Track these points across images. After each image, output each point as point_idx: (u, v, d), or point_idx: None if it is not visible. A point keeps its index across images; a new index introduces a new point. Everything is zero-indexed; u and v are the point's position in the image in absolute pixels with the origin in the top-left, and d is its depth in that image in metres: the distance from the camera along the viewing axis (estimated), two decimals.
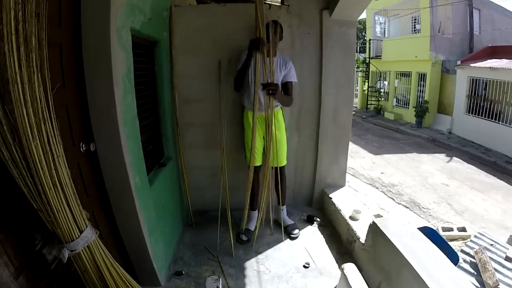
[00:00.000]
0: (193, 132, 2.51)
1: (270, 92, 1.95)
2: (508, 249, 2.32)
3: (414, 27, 10.20)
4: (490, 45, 8.50)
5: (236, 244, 2.17)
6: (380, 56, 12.10)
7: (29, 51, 0.90)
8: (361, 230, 1.99)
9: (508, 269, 2.13)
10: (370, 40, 12.72)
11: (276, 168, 2.23)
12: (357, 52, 11.23)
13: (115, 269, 1.22)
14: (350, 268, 1.51)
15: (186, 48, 2.33)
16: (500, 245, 2.38)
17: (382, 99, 12.13)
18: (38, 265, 1.08)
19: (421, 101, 9.57)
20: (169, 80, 2.26)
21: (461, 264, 2.13)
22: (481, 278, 2.02)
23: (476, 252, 2.21)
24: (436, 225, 3.45)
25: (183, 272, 1.89)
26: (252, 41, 1.95)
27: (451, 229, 3.22)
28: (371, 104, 12.63)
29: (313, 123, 2.56)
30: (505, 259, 2.21)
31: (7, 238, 0.95)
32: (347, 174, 2.79)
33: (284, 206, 2.40)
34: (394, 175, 5.42)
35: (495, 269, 2.05)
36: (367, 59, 13.02)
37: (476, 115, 7.91)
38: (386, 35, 12.07)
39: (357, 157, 6.49)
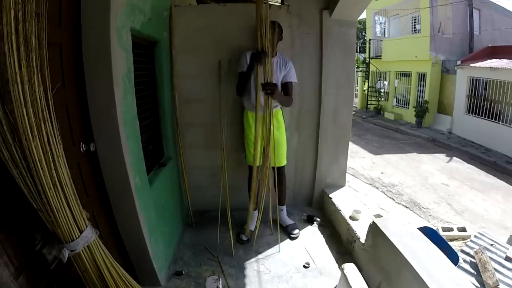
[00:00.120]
0: (193, 132, 2.51)
1: (269, 92, 1.95)
2: (508, 249, 2.32)
3: (414, 27, 10.21)
4: (490, 45, 8.51)
5: (236, 244, 2.17)
6: (380, 56, 12.10)
7: (29, 51, 0.90)
8: (361, 230, 1.99)
9: (508, 269, 2.13)
10: (370, 40, 12.72)
11: (276, 168, 2.23)
12: (357, 52, 11.23)
13: (115, 269, 1.22)
14: (350, 268, 1.51)
15: (186, 48, 2.33)
16: (500, 245, 2.38)
17: (382, 99, 12.13)
18: (38, 265, 1.08)
19: (421, 101, 9.57)
20: (169, 80, 2.26)
21: (461, 264, 2.13)
22: (481, 278, 2.02)
23: (476, 252, 2.21)
24: (436, 225, 3.45)
25: (183, 272, 1.89)
26: (253, 54, 1.95)
27: (451, 229, 3.22)
28: (371, 104, 12.63)
29: (313, 123, 2.56)
30: (505, 259, 2.21)
31: (7, 238, 0.95)
32: (347, 174, 2.79)
33: (284, 206, 2.40)
34: (394, 175, 5.42)
35: (495, 269, 2.05)
36: (367, 59, 13.02)
37: (476, 115, 7.91)
38: (386, 35, 12.07)
39: (357, 157, 6.49)
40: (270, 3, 2.23)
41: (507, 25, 9.92)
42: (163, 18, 2.13)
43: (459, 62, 8.44)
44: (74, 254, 1.08)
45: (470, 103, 8.16)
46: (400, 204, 4.31)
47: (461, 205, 4.27)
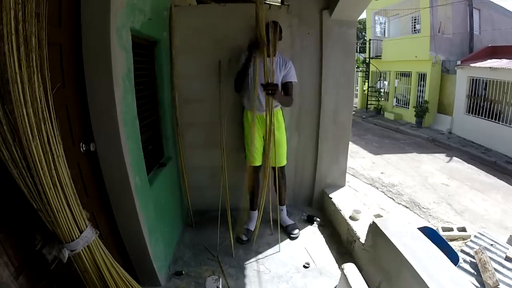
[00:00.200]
0: (193, 132, 2.50)
1: (270, 92, 1.95)
2: (508, 249, 2.32)
3: (414, 27, 10.20)
4: (490, 45, 8.50)
5: (236, 244, 2.17)
6: (380, 56, 12.10)
7: (29, 51, 0.90)
8: (361, 230, 1.99)
9: (508, 269, 2.12)
10: (370, 40, 12.71)
11: (276, 168, 2.23)
12: (357, 52, 11.23)
13: (115, 269, 1.22)
14: (350, 268, 1.51)
15: (186, 48, 2.33)
16: (500, 245, 2.38)
17: (382, 99, 12.13)
18: (38, 265, 1.08)
19: (421, 101, 9.56)
20: (169, 80, 2.26)
21: (461, 264, 2.13)
22: (481, 278, 2.02)
23: (476, 252, 2.21)
24: (436, 225, 3.45)
25: (183, 272, 1.89)
26: (252, 44, 1.96)
27: (451, 229, 3.22)
28: (371, 104, 12.62)
29: (313, 123, 2.56)
30: (505, 259, 2.21)
31: (7, 238, 0.95)
32: (347, 174, 2.79)
33: (284, 206, 2.40)
34: (394, 175, 5.42)
35: (495, 269, 2.05)
36: (367, 59, 13.01)
37: (476, 115, 7.91)
38: (386, 35, 12.06)
39: (357, 157, 6.49)
40: (270, 3, 2.23)
41: (507, 25, 9.92)
42: (163, 18, 2.13)
43: (459, 62, 8.43)
44: (74, 254, 1.08)
45: (470, 103, 8.15)
46: (400, 204, 4.31)
47: (461, 205, 4.27)
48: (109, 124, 1.35)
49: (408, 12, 10.15)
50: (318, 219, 2.50)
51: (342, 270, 1.53)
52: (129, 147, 1.45)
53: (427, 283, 1.24)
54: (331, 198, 2.49)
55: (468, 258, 2.22)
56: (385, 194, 4.65)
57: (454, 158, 6.62)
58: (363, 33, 16.14)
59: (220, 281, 1.69)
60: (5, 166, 0.91)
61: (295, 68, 2.16)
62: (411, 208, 4.16)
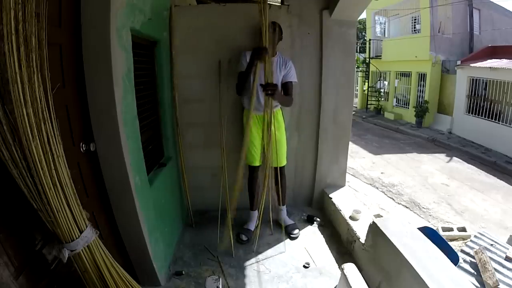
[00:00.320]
0: (193, 132, 2.50)
1: (269, 92, 1.95)
2: (508, 249, 2.32)
3: (414, 27, 10.21)
4: (490, 45, 8.51)
5: (236, 244, 2.17)
6: (380, 56, 12.10)
7: (29, 51, 0.90)
8: (361, 230, 1.99)
9: (508, 269, 2.13)
10: (370, 40, 12.72)
11: (276, 168, 2.23)
12: (357, 52, 11.23)
13: (115, 269, 1.22)
14: (350, 268, 1.51)
15: (186, 48, 2.32)
16: (500, 245, 2.38)
17: (382, 99, 12.13)
18: (38, 265, 1.08)
19: (421, 101, 9.57)
20: (169, 80, 2.26)
21: (461, 264, 2.13)
22: (481, 278, 2.02)
23: (476, 252, 2.21)
24: (436, 225, 3.45)
25: (183, 272, 1.89)
26: (255, 50, 1.95)
27: (451, 229, 3.22)
28: (371, 104, 12.63)
29: (313, 123, 2.56)
30: (505, 259, 2.21)
31: (7, 238, 0.95)
32: (347, 174, 2.79)
33: (284, 206, 2.40)
34: (394, 175, 5.42)
35: (495, 269, 2.05)
36: (367, 59, 13.02)
37: (476, 115, 7.91)
38: (386, 35, 12.07)
39: (357, 157, 6.49)
40: (270, 3, 2.23)
41: (507, 25, 9.92)
42: (163, 18, 2.13)
43: (459, 62, 8.44)
44: (74, 254, 1.08)
45: (470, 103, 8.16)
46: (400, 204, 4.31)
47: (461, 205, 4.27)
48: (109, 124, 1.35)
49: (408, 12, 10.15)
50: (318, 219, 2.50)
51: (342, 270, 1.53)
52: (129, 147, 1.45)
53: (427, 283, 1.24)
54: (331, 198, 2.49)
55: (468, 258, 2.22)
56: (385, 194, 4.65)
57: (454, 158, 6.62)
58: (363, 33, 16.14)
59: (220, 281, 1.69)
60: (5, 166, 0.91)
61: (295, 68, 2.16)
62: (411, 208, 4.16)
